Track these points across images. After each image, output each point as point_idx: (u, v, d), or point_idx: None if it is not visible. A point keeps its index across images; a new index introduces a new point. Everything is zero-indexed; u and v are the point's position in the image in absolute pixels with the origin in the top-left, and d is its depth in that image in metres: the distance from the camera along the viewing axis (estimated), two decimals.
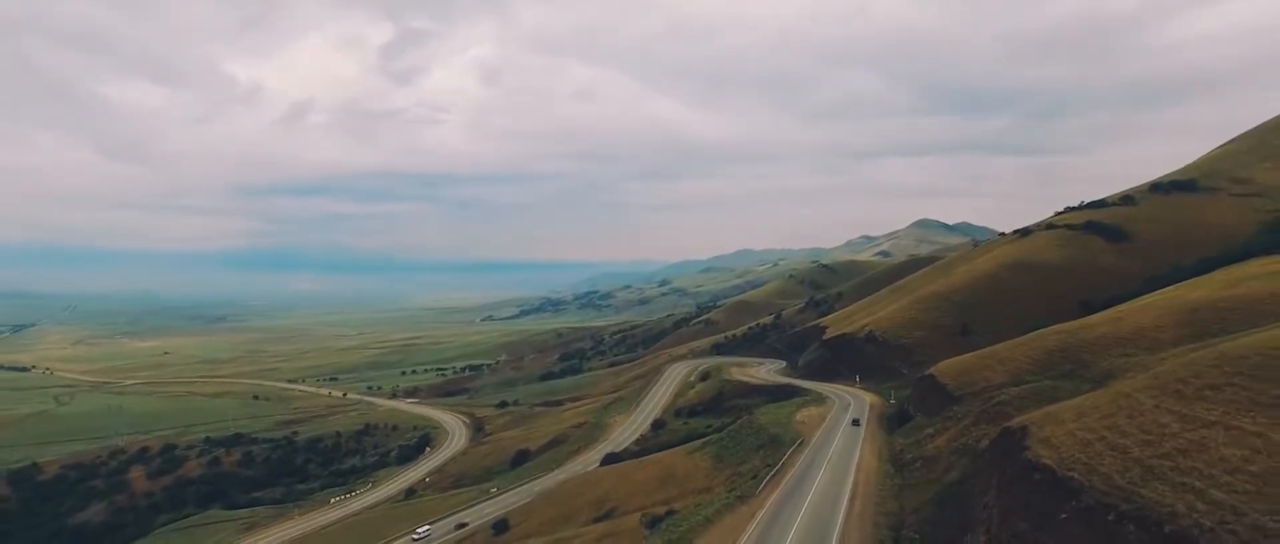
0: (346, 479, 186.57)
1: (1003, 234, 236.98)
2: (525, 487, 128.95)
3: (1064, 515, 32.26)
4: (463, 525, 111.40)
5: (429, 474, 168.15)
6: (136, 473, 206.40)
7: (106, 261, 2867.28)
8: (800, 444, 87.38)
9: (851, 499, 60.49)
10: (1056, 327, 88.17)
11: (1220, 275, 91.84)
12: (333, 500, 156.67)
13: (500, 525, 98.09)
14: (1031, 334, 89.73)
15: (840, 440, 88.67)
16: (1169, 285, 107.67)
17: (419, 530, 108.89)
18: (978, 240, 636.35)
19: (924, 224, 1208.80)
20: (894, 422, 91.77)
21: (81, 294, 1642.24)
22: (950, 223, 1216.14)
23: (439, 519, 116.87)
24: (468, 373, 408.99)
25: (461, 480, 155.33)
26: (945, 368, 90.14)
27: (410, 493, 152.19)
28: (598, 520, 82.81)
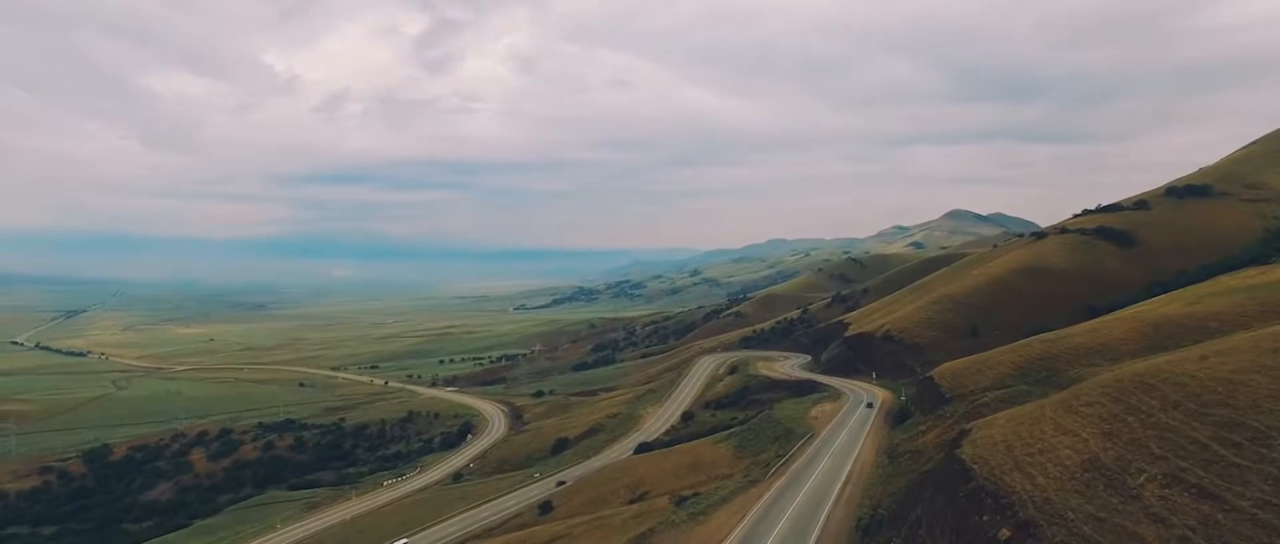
0: (393, 464, 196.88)
1: (1021, 235, 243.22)
2: (565, 472, 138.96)
3: (961, 495, 43.36)
4: (562, 483, 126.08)
5: (473, 460, 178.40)
6: (197, 455, 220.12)
7: (149, 248, 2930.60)
8: (810, 437, 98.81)
9: (845, 484, 72.19)
10: (1042, 335, 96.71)
11: (1202, 287, 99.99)
12: (385, 483, 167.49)
13: (545, 506, 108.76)
14: (1021, 341, 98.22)
15: (846, 434, 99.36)
16: (1174, 290, 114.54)
17: (399, 542, 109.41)
18: (1011, 232, 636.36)
19: (957, 215, 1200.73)
20: (896, 418, 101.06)
21: (127, 280, 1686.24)
22: (984, 213, 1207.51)
23: (505, 495, 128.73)
24: (504, 362, 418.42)
25: (504, 466, 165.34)
26: (943, 371, 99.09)
27: (457, 477, 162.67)
28: (632, 502, 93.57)
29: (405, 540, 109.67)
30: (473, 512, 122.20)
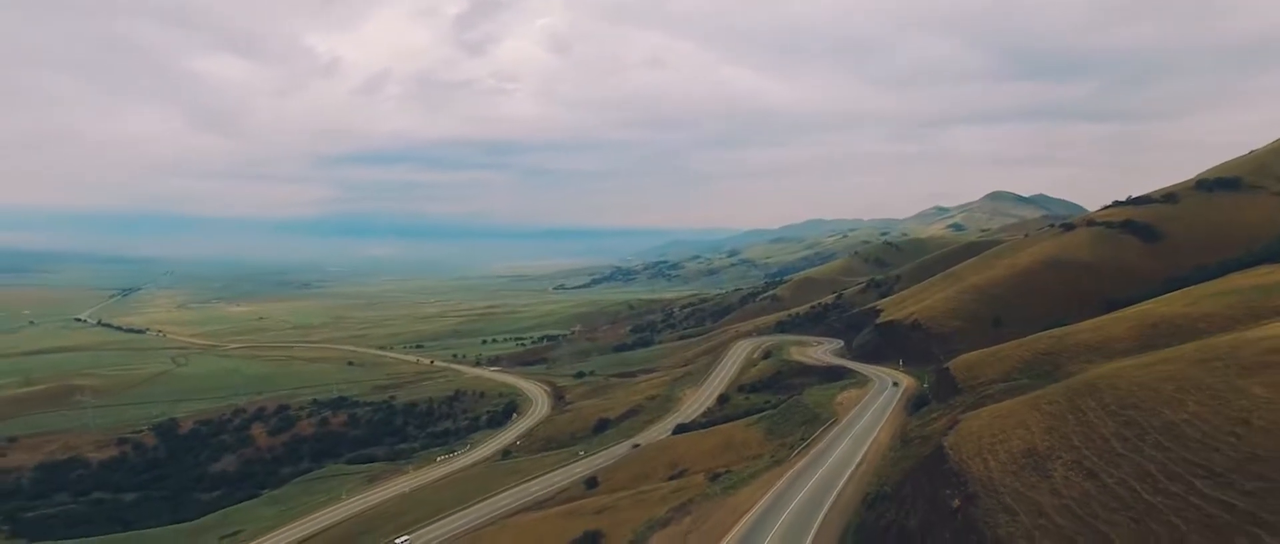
0: (443, 440, 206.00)
1: (1052, 225, 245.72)
2: (608, 451, 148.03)
3: (937, 474, 52.28)
4: (636, 445, 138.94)
5: (520, 437, 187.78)
6: (258, 430, 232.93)
7: (196, 228, 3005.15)
8: (833, 422, 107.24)
9: (858, 465, 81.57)
10: (1051, 331, 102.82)
11: (1209, 286, 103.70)
12: (438, 459, 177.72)
13: (591, 482, 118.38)
14: (1032, 336, 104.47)
15: (867, 420, 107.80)
16: (1190, 286, 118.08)
17: (398, 541, 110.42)
18: (1051, 214, 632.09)
19: (997, 197, 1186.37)
20: (914, 406, 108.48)
21: (177, 259, 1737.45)
22: (1025, 194, 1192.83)
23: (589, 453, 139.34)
24: (545, 343, 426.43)
25: (550, 444, 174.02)
26: (959, 362, 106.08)
27: (506, 454, 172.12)
28: (671, 478, 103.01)
29: (405, 538, 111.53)
30: (523, 486, 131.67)
